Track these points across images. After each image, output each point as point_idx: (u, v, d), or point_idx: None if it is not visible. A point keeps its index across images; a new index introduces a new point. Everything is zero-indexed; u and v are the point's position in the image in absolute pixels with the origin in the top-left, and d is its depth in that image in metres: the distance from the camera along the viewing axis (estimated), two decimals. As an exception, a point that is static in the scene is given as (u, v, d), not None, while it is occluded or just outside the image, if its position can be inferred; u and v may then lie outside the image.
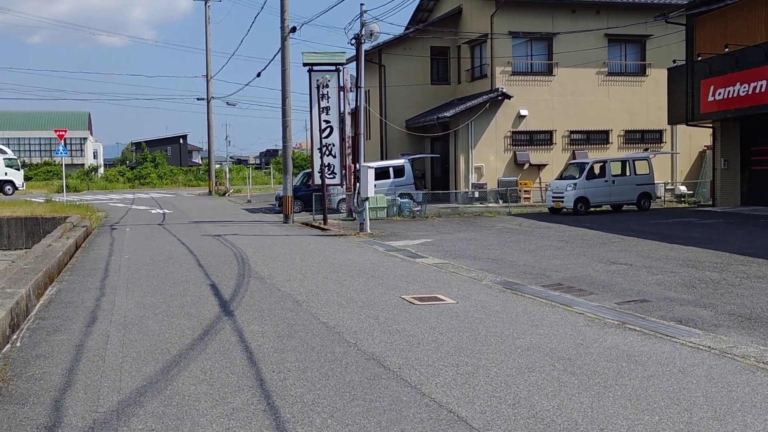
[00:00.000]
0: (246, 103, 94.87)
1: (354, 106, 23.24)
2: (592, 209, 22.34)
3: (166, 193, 45.81)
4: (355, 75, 22.51)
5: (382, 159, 28.85)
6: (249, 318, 7.83)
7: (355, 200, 19.00)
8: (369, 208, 18.41)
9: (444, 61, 30.58)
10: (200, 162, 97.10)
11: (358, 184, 18.56)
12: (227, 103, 46.70)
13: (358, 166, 22.60)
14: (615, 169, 22.73)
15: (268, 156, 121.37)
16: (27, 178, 63.85)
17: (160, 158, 66.16)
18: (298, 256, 13.46)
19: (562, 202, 21.98)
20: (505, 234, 16.95)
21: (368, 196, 18.15)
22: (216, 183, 43.64)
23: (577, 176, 22.20)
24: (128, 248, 15.34)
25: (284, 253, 14.07)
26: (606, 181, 22.25)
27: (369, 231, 17.96)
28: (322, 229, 19.39)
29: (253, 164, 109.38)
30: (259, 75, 32.15)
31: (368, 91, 30.39)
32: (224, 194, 41.76)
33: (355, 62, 29.98)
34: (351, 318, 7.76)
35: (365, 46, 18.29)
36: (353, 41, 18.06)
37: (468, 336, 6.86)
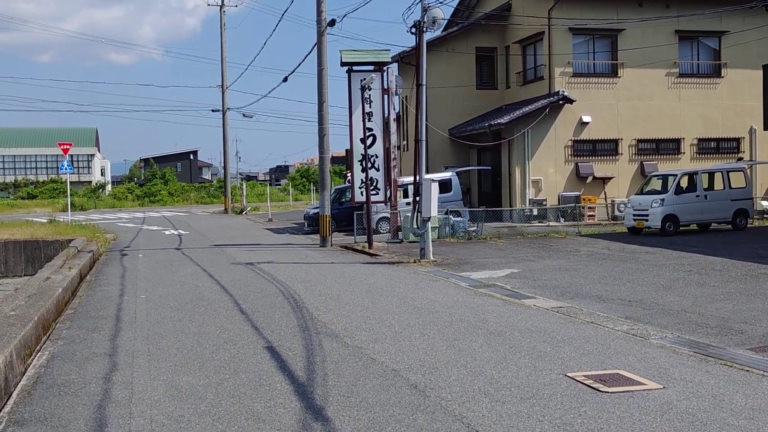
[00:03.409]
0: (264, 115, 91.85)
1: (402, 108, 20.29)
2: (681, 229, 19.14)
3: (178, 211, 42.82)
4: (399, 75, 19.72)
5: (422, 172, 25.74)
6: (358, 429, 4.73)
7: (415, 220, 15.94)
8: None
9: (489, 63, 27.47)
10: (211, 178, 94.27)
11: (418, 200, 15.52)
12: (244, 114, 43.62)
13: (406, 179, 19.65)
14: (705, 181, 19.58)
15: (278, 172, 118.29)
16: (32, 197, 61.21)
17: (170, 175, 63.29)
18: (365, 295, 10.38)
19: (647, 220, 18.79)
20: (602, 261, 13.83)
21: (431, 215, 15.10)
22: (231, 200, 40.65)
23: (661, 190, 19.06)
24: (144, 283, 12.30)
25: (344, 290, 10.99)
26: (697, 196, 19.06)
27: (432, 258, 14.89)
28: (370, 255, 16.39)
29: (264, 180, 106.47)
30: (285, 80, 28.89)
31: (405, 97, 27.36)
32: (241, 212, 38.70)
33: (395, 64, 27.44)
34: (529, 429, 4.65)
35: (426, 36, 15.22)
36: (413, 29, 15.04)
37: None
